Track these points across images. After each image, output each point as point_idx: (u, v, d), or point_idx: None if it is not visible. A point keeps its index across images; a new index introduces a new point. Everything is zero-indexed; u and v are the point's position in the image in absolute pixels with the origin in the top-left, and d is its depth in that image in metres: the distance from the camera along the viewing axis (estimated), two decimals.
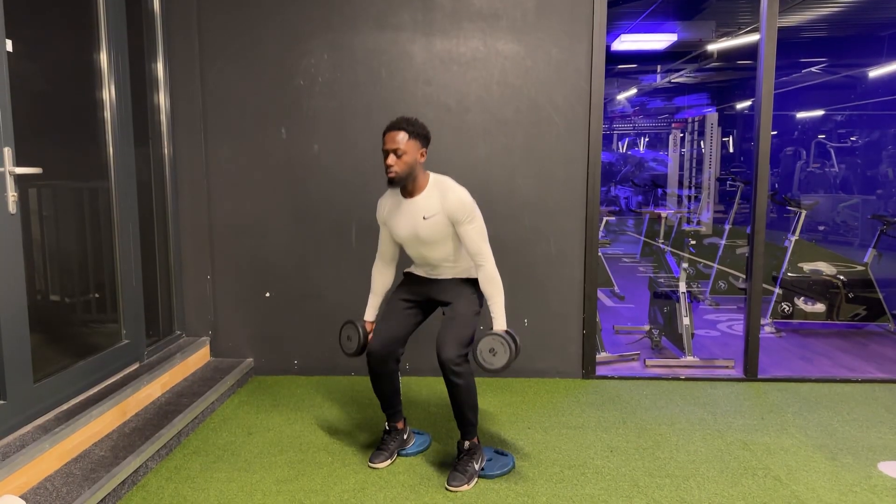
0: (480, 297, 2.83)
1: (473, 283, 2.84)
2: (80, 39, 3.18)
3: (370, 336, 2.90)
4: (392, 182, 2.66)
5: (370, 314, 3.01)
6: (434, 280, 2.89)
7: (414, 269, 2.98)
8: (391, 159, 2.63)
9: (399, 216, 2.78)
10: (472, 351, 2.66)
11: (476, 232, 2.70)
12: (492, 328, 2.70)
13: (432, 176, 2.76)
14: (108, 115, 3.29)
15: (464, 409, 2.71)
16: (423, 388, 3.91)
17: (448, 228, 2.71)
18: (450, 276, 2.86)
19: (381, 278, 3.00)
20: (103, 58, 3.26)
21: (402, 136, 2.63)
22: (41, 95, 2.95)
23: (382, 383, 2.88)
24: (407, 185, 2.72)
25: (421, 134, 2.69)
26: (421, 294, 2.91)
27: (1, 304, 2.51)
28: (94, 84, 3.24)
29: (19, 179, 2.62)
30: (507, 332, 2.69)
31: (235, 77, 3.97)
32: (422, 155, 2.70)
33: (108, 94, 3.29)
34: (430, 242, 2.75)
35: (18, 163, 2.61)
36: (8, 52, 2.57)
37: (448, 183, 2.72)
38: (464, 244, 2.73)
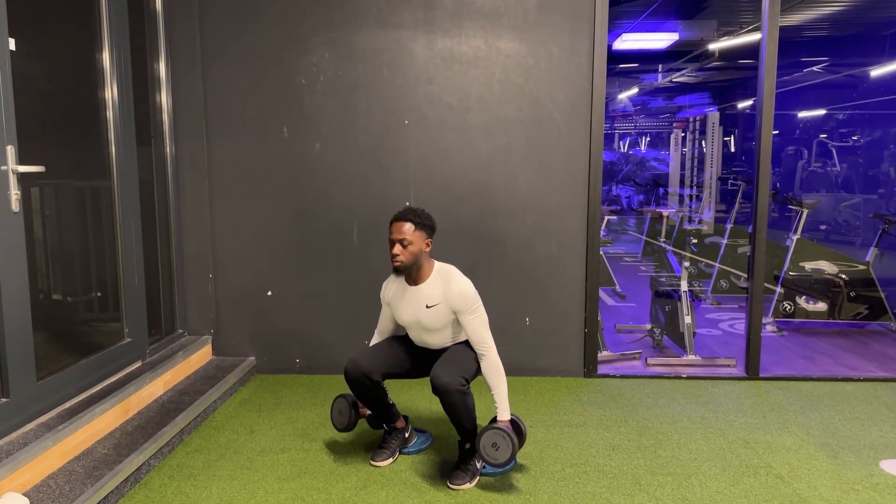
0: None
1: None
2: (83, 39, 3.18)
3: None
4: (397, 271, 2.73)
5: None
6: (432, 349, 2.94)
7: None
8: (397, 249, 2.68)
9: (404, 302, 2.83)
10: (476, 443, 2.64)
11: (478, 322, 2.74)
12: (495, 419, 2.70)
13: (437, 265, 2.81)
14: (110, 113, 3.30)
15: (462, 420, 2.70)
16: (425, 387, 3.91)
17: (450, 317, 2.77)
18: (448, 344, 2.90)
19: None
20: (105, 57, 3.27)
21: (408, 227, 2.69)
22: (44, 94, 2.96)
23: (363, 395, 2.85)
24: (412, 273, 2.78)
25: (427, 225, 2.74)
26: (419, 353, 2.95)
27: (4, 302, 2.52)
28: (97, 83, 3.25)
29: (22, 178, 2.63)
30: (511, 420, 2.72)
31: (237, 76, 3.97)
32: (427, 245, 2.75)
33: (111, 92, 3.29)
34: (432, 329, 2.82)
35: (21, 161, 2.61)
36: (11, 51, 2.58)
37: (452, 273, 2.77)
38: (466, 334, 2.78)
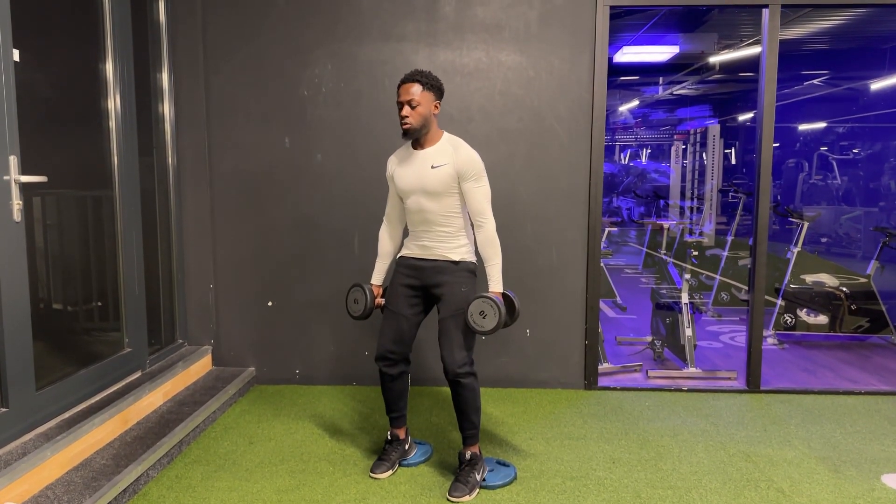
0: (473, 285, 2.80)
1: (465, 269, 2.79)
2: (86, 49, 3.20)
3: (377, 299, 2.95)
4: (406, 133, 2.70)
5: (377, 278, 3.02)
6: (427, 263, 2.82)
7: (406, 252, 2.91)
8: (406, 110, 2.67)
9: (407, 167, 2.79)
10: (464, 312, 2.68)
11: (481, 191, 2.72)
12: (488, 289, 2.72)
13: (447, 134, 2.79)
14: (112, 123, 3.31)
15: (468, 411, 2.74)
16: (425, 398, 3.90)
17: (454, 182, 2.71)
18: (442, 255, 2.78)
19: (389, 241, 3.01)
20: (109, 67, 3.28)
21: (416, 88, 2.67)
22: (47, 104, 2.97)
23: (393, 384, 2.91)
24: (420, 138, 2.75)
25: (435, 86, 2.72)
26: (417, 279, 2.85)
27: (4, 311, 2.52)
28: (100, 93, 3.26)
29: (24, 188, 2.64)
30: (503, 293, 2.73)
31: (240, 86, 3.99)
32: (436, 107, 2.73)
33: (113, 102, 3.31)
34: (434, 194, 2.72)
35: (24, 171, 2.62)
36: (15, 62, 2.59)
37: (462, 142, 2.75)
38: (467, 202, 2.73)
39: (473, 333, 2.75)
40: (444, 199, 2.73)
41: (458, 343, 2.72)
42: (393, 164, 2.89)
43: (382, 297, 3.02)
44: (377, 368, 2.92)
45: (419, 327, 2.94)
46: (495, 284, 2.71)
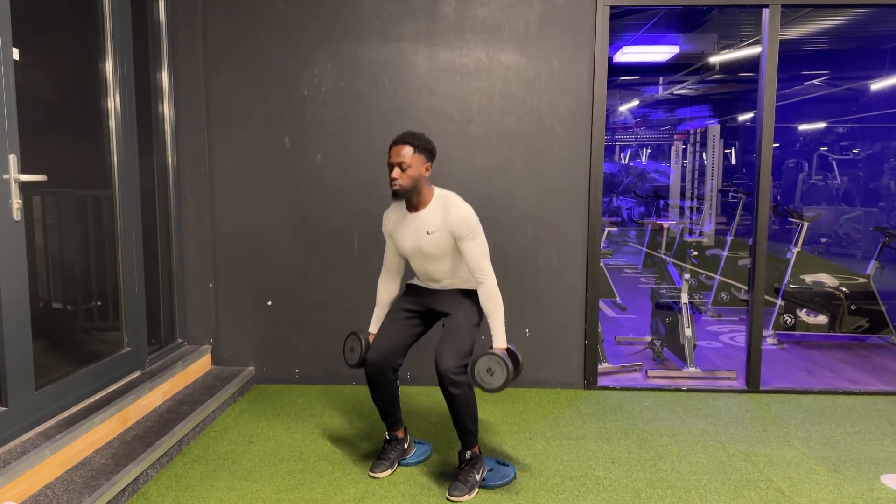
0: (480, 310, 2.83)
1: (473, 294, 2.84)
2: (86, 48, 3.20)
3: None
4: (396, 195, 2.69)
5: (374, 326, 3.02)
6: (435, 291, 2.90)
7: (416, 281, 2.99)
8: (396, 172, 2.66)
9: (404, 229, 2.80)
10: (470, 369, 2.65)
11: (477, 249, 2.70)
12: (491, 346, 2.70)
13: (437, 190, 2.77)
14: (112, 123, 3.31)
15: (463, 419, 2.71)
16: (425, 398, 3.90)
17: (450, 243, 2.72)
18: (450, 287, 2.87)
19: (387, 290, 3.02)
20: (109, 67, 3.28)
21: (407, 150, 2.66)
22: (46, 103, 2.97)
23: (381, 393, 2.88)
24: (412, 199, 2.75)
25: (426, 148, 2.72)
26: (421, 304, 2.92)
27: (4, 310, 2.52)
28: (100, 93, 3.26)
29: (24, 187, 2.64)
30: (507, 349, 2.72)
31: (239, 86, 3.99)
32: (426, 169, 2.72)
33: (113, 102, 3.31)
34: (434, 257, 2.76)
35: (23, 170, 2.62)
36: (15, 61, 2.59)
37: (452, 198, 2.74)
38: (465, 260, 2.74)
39: (472, 349, 2.73)
40: (445, 259, 2.78)
41: (456, 347, 2.68)
42: (390, 223, 2.89)
43: None
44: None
45: (414, 343, 2.94)
46: (499, 340, 2.70)
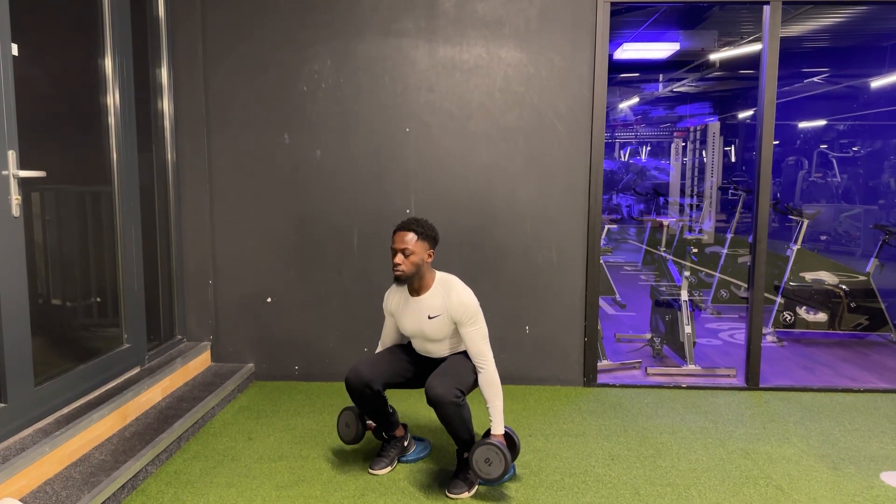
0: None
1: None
2: (85, 44, 3.19)
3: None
4: (398, 280, 2.72)
5: None
6: (434, 358, 2.94)
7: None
8: (399, 258, 2.69)
9: (407, 312, 2.84)
10: (469, 458, 2.62)
11: (478, 334, 2.73)
12: (488, 433, 2.70)
13: (438, 275, 2.81)
14: (111, 119, 3.30)
15: (459, 431, 2.71)
16: (423, 396, 3.89)
17: (451, 327, 2.77)
18: (448, 355, 2.90)
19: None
20: (108, 63, 3.27)
21: (410, 237, 2.69)
22: (46, 99, 2.96)
23: (364, 404, 2.85)
24: (413, 284, 2.79)
25: (430, 236, 2.74)
26: (420, 359, 2.95)
27: (3, 306, 2.51)
28: (99, 89, 3.26)
29: (23, 182, 2.63)
30: (505, 434, 2.73)
31: (239, 82, 3.98)
32: (429, 256, 2.75)
33: (112, 98, 3.30)
34: (435, 339, 2.82)
35: (22, 166, 2.61)
36: (14, 56, 2.58)
37: (453, 283, 2.77)
38: (465, 345, 2.77)
39: (472, 380, 2.73)
40: (446, 341, 2.84)
41: (453, 375, 2.67)
42: (391, 304, 2.92)
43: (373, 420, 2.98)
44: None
45: (403, 384, 2.93)
46: (497, 427, 2.69)
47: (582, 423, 3.48)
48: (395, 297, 2.91)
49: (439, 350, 2.87)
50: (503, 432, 2.71)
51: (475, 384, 2.75)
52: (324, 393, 3.95)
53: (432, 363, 2.90)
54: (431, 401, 2.60)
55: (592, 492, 2.73)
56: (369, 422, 3.01)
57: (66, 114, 3.11)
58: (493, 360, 2.74)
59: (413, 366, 2.94)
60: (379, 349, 3.05)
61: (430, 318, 2.76)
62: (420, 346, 2.92)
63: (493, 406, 2.70)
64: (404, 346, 3.02)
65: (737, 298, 6.40)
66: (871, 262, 5.44)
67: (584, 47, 3.89)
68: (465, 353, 2.83)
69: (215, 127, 4.02)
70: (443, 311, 2.73)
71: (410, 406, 3.72)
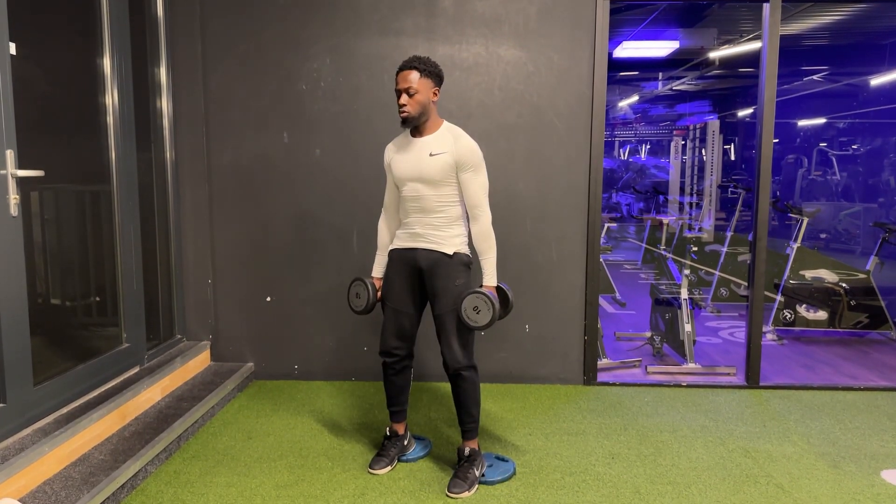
0: (468, 279, 2.77)
1: (460, 262, 2.74)
2: (84, 43, 3.19)
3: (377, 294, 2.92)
4: (405, 122, 2.67)
5: (377, 271, 2.98)
6: (420, 253, 2.77)
7: (397, 243, 2.86)
8: (404, 98, 2.64)
9: (405, 154, 2.76)
10: (458, 306, 2.65)
11: (479, 183, 2.69)
12: (481, 284, 2.71)
13: (447, 122, 2.76)
14: (110, 118, 3.30)
15: (468, 404, 2.75)
16: (424, 394, 3.90)
17: (451, 172, 2.67)
18: (436, 246, 2.73)
19: (388, 233, 2.97)
20: (106, 62, 3.27)
21: (414, 75, 2.64)
22: (44, 98, 2.95)
23: (396, 378, 2.92)
24: (419, 126, 2.73)
25: (433, 73, 2.69)
26: (410, 271, 2.81)
27: (1, 306, 2.51)
28: (98, 88, 3.25)
29: (21, 182, 2.62)
30: (497, 287, 2.72)
31: (238, 81, 3.97)
32: (434, 94, 2.70)
33: (111, 98, 3.29)
34: (431, 182, 2.68)
35: (21, 165, 2.61)
36: (12, 55, 2.58)
37: (462, 131, 2.72)
38: (464, 193, 2.70)
39: (472, 335, 2.76)
40: (441, 188, 2.70)
41: (456, 338, 2.72)
42: (391, 152, 2.86)
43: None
44: (378, 363, 2.93)
45: (421, 320, 2.93)
46: (489, 278, 2.69)
47: (582, 422, 3.48)
48: (394, 145, 2.85)
49: (431, 203, 2.71)
50: (495, 284, 2.70)
51: (472, 336, 2.77)
52: (323, 392, 3.94)
53: (420, 260, 2.76)
54: (450, 371, 2.70)
55: (593, 490, 2.73)
56: (380, 292, 2.93)
57: (64, 113, 3.10)
58: (489, 212, 2.71)
59: (413, 304, 2.85)
60: (382, 215, 2.97)
61: (431, 154, 2.67)
62: (412, 194, 2.73)
63: (486, 258, 2.69)
64: (391, 276, 2.86)
65: (737, 297, 6.39)
66: (871, 259, 5.43)
67: (583, 45, 3.88)
68: (452, 310, 2.69)
69: (214, 126, 4.01)
70: (448, 150, 2.65)
71: (411, 405, 3.71)
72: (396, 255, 2.86)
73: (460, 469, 2.76)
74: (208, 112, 4.00)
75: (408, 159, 2.74)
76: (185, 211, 4.06)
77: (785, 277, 5.41)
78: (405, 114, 2.64)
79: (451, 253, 2.73)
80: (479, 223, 2.70)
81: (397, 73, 2.69)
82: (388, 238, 2.97)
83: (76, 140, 3.17)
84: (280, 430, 3.37)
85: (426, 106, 2.67)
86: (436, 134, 2.71)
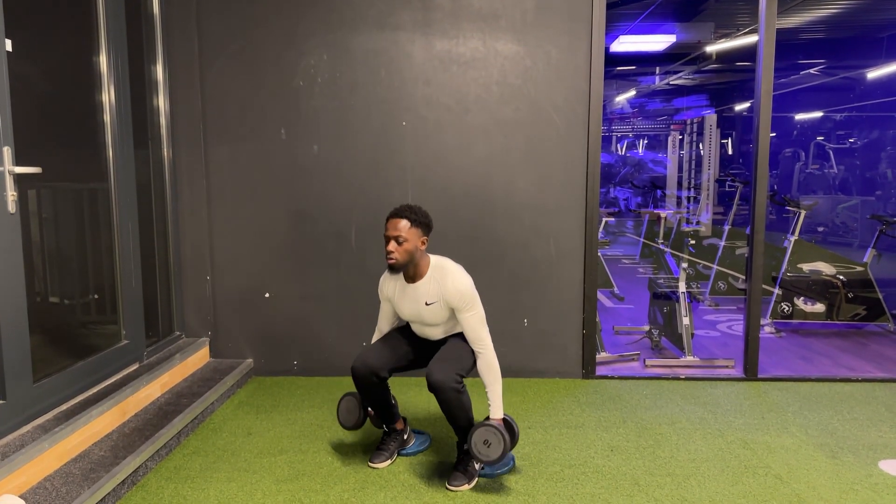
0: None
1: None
2: (80, 41, 3.18)
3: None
4: (392, 268, 2.71)
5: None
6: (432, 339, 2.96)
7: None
8: (392, 246, 2.66)
9: (404, 299, 2.83)
10: (468, 440, 2.63)
11: (475, 319, 2.72)
12: (488, 417, 2.70)
13: (432, 260, 2.78)
14: (107, 116, 3.29)
15: (458, 419, 2.71)
16: (423, 389, 3.90)
17: (449, 312, 2.77)
18: (446, 336, 2.92)
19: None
20: (103, 60, 3.26)
21: (403, 224, 2.66)
22: (41, 96, 2.95)
23: (370, 394, 2.86)
24: (408, 271, 2.77)
25: (423, 222, 2.72)
26: (420, 341, 2.97)
27: (0, 304, 2.51)
28: (94, 86, 3.24)
29: (19, 179, 2.62)
30: (503, 419, 2.71)
31: (235, 78, 3.97)
32: (423, 242, 2.73)
33: (108, 96, 3.29)
34: (434, 325, 2.83)
35: (18, 163, 2.61)
36: (8, 53, 2.57)
37: (447, 269, 2.74)
38: (463, 330, 2.77)
39: (471, 364, 2.74)
40: (445, 325, 2.85)
41: (454, 360, 2.69)
42: (387, 290, 2.91)
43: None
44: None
45: (408, 366, 2.94)
46: (496, 411, 2.69)
47: (581, 415, 3.49)
48: (390, 284, 2.89)
49: (438, 333, 2.88)
50: (502, 417, 2.71)
51: (475, 366, 2.75)
52: (323, 388, 3.95)
53: (433, 343, 2.91)
54: (432, 386, 2.60)
55: (592, 483, 2.74)
56: (369, 409, 3.00)
57: (61, 111, 3.10)
58: (491, 344, 2.74)
59: (414, 348, 2.94)
60: (376, 336, 3.05)
61: (427, 304, 2.75)
62: (419, 330, 2.92)
63: (492, 390, 2.70)
64: (402, 330, 3.01)
65: (735, 290, 6.41)
66: (869, 252, 5.45)
67: (580, 40, 3.88)
68: (463, 335, 2.83)
69: (211, 123, 4.01)
70: (439, 297, 2.72)
71: (409, 399, 3.72)
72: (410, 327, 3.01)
73: (460, 462, 2.77)
74: (205, 109, 3.99)
75: (409, 304, 2.82)
76: (184, 208, 4.06)
77: (783, 270, 5.43)
78: (392, 261, 2.67)
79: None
80: (483, 357, 2.72)
81: (387, 220, 2.71)
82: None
83: (74, 138, 3.17)
84: (280, 425, 3.38)
85: (414, 254, 2.69)
86: (426, 278, 2.76)
